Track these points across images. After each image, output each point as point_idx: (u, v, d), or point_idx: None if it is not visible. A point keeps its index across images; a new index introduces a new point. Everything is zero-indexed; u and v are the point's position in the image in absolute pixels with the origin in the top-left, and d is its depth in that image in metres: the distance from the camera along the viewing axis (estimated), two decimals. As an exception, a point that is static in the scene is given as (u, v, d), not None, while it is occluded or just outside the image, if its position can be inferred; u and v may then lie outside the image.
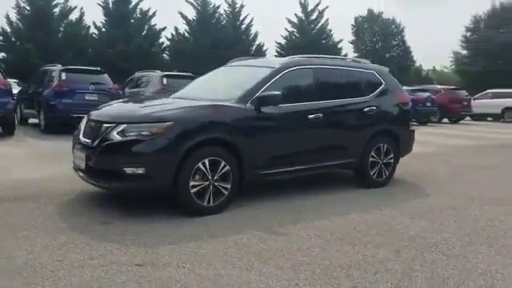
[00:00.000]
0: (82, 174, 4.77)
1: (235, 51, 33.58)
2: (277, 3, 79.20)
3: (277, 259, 3.52)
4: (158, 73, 13.36)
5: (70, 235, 3.92)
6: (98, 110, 5.20)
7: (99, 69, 12.05)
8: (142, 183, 4.33)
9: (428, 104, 18.81)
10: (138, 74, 14.54)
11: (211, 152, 4.56)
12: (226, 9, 37.32)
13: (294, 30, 40.26)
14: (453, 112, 20.06)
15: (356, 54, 56.43)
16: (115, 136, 4.38)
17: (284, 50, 38.84)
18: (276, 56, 42.05)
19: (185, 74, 13.71)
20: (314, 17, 40.26)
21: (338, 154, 5.74)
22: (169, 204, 4.76)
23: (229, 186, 4.68)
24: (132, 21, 32.27)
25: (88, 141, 4.64)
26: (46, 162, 7.43)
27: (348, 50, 49.43)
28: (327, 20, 39.88)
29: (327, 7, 40.51)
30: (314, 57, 5.92)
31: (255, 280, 3.14)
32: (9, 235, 3.89)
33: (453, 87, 22.46)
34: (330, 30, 40.63)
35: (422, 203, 5.39)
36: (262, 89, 5.03)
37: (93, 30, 32.28)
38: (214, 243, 3.82)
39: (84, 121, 5.03)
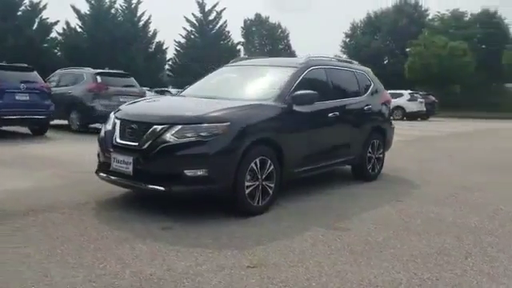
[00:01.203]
0: (117, 179, 4.44)
1: (135, 48, 32.53)
2: (175, 1, 77.73)
3: (371, 253, 3.66)
4: (89, 70, 12.45)
5: (145, 243, 3.67)
6: (128, 111, 4.81)
7: (27, 65, 10.88)
8: (204, 185, 4.18)
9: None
10: (60, 72, 13.38)
11: (261, 151, 4.54)
12: (122, 4, 35.83)
13: (193, 29, 40.07)
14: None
15: (247, 56, 57.95)
16: (171, 137, 4.17)
17: (183, 49, 38.48)
18: (175, 54, 41.54)
19: (119, 71, 13.02)
20: (212, 17, 40.43)
21: (346, 150, 6.04)
22: (199, 205, 4.68)
23: (273, 186, 4.70)
24: (20, 13, 29.34)
25: (133, 143, 4.32)
26: (15, 170, 6.62)
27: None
28: (225, 22, 40.39)
29: (225, 9, 41.00)
30: (322, 57, 6.11)
31: (378, 273, 3.24)
32: (80, 250, 3.50)
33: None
34: (229, 32, 41.20)
35: (425, 193, 5.90)
36: (292, 88, 5.12)
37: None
38: (296, 241, 3.84)
39: (115, 122, 4.63)
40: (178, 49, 39.99)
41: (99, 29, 31.99)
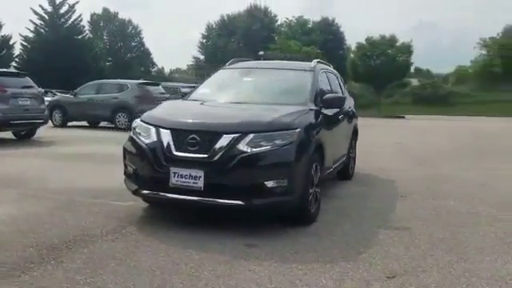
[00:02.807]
0: (179, 196, 3.91)
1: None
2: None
3: (461, 248, 3.85)
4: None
5: (256, 264, 3.35)
6: (177, 119, 4.23)
7: None
8: (284, 196, 3.93)
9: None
10: None
11: (315, 158, 4.44)
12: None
13: (43, 23, 36.26)
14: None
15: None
16: (245, 147, 3.84)
17: (31, 44, 34.58)
18: (22, 50, 37.07)
19: (12, 71, 11.21)
20: (63, 11, 37.11)
21: (344, 151, 6.20)
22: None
23: (319, 190, 4.63)
24: None
25: (201, 155, 3.84)
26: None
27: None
28: (80, 15, 37.42)
29: (78, 2, 37.90)
30: (316, 60, 6.11)
31: (500, 267, 3.44)
32: (200, 280, 3.04)
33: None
34: (84, 27, 38.26)
35: (410, 188, 6.28)
36: (317, 91, 5.10)
37: None
38: (387, 246, 3.86)
39: (160, 132, 4.05)
40: (25, 44, 35.73)
41: None
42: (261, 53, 46.29)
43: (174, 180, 3.87)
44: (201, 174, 3.80)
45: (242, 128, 3.93)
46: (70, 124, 16.26)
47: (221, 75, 5.71)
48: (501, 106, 45.96)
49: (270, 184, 3.84)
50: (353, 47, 49.09)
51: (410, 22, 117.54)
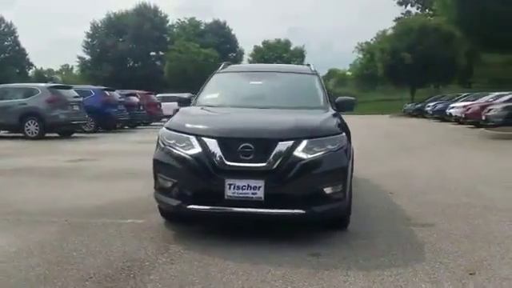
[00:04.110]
0: (236, 210, 3.62)
1: None
2: None
3: (495, 241, 4.05)
4: None
5: (343, 274, 3.22)
6: (221, 127, 3.94)
7: None
8: (339, 202, 3.83)
9: (141, 108, 19.57)
10: None
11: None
12: None
13: None
14: (153, 114, 21.28)
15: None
16: (301, 154, 3.69)
17: None
18: None
19: None
20: None
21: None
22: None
23: (345, 195, 4.62)
24: None
25: (260, 164, 3.60)
26: None
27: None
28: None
29: None
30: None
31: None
32: None
33: (146, 92, 23.24)
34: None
35: (391, 185, 6.52)
36: (328, 94, 5.09)
37: None
38: (436, 243, 3.95)
39: (205, 141, 3.70)
40: None
41: None
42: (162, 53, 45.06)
43: (229, 192, 3.57)
44: (261, 183, 3.56)
45: (295, 134, 3.76)
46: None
47: (221, 80, 5.35)
48: (379, 105, 50.44)
49: (328, 190, 3.74)
50: (246, 50, 50.20)
51: (281, 27, 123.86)
